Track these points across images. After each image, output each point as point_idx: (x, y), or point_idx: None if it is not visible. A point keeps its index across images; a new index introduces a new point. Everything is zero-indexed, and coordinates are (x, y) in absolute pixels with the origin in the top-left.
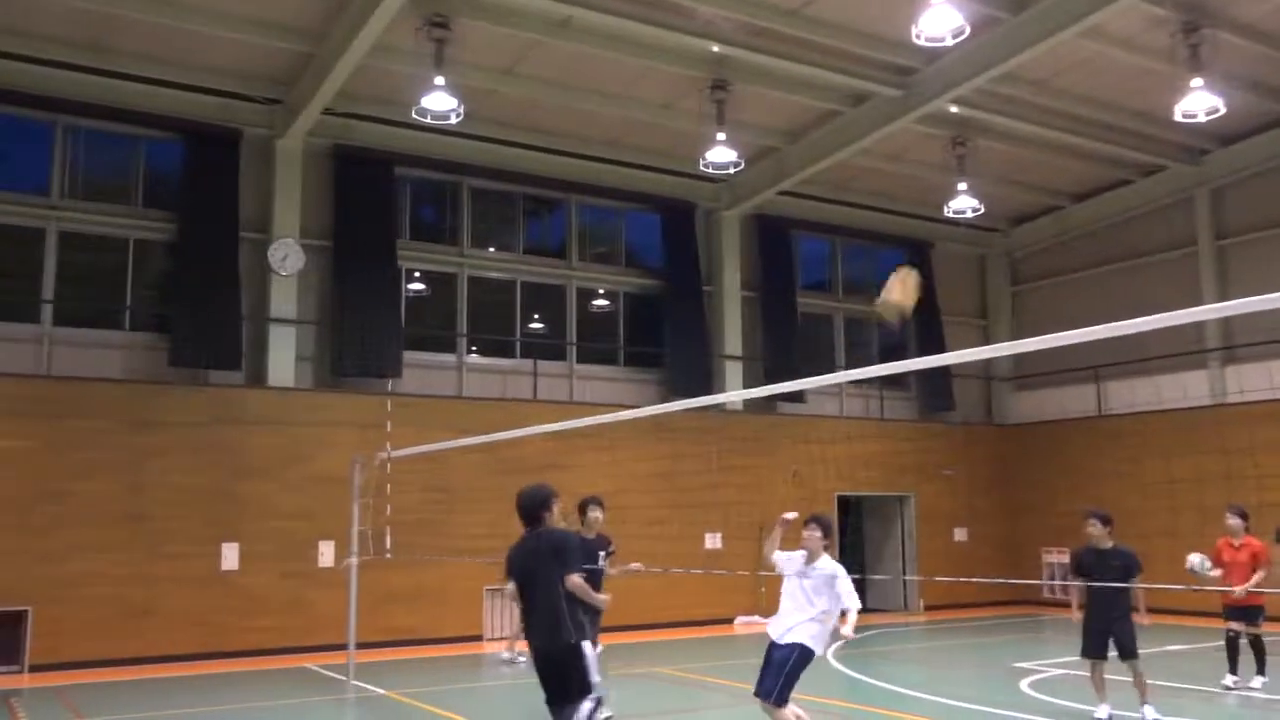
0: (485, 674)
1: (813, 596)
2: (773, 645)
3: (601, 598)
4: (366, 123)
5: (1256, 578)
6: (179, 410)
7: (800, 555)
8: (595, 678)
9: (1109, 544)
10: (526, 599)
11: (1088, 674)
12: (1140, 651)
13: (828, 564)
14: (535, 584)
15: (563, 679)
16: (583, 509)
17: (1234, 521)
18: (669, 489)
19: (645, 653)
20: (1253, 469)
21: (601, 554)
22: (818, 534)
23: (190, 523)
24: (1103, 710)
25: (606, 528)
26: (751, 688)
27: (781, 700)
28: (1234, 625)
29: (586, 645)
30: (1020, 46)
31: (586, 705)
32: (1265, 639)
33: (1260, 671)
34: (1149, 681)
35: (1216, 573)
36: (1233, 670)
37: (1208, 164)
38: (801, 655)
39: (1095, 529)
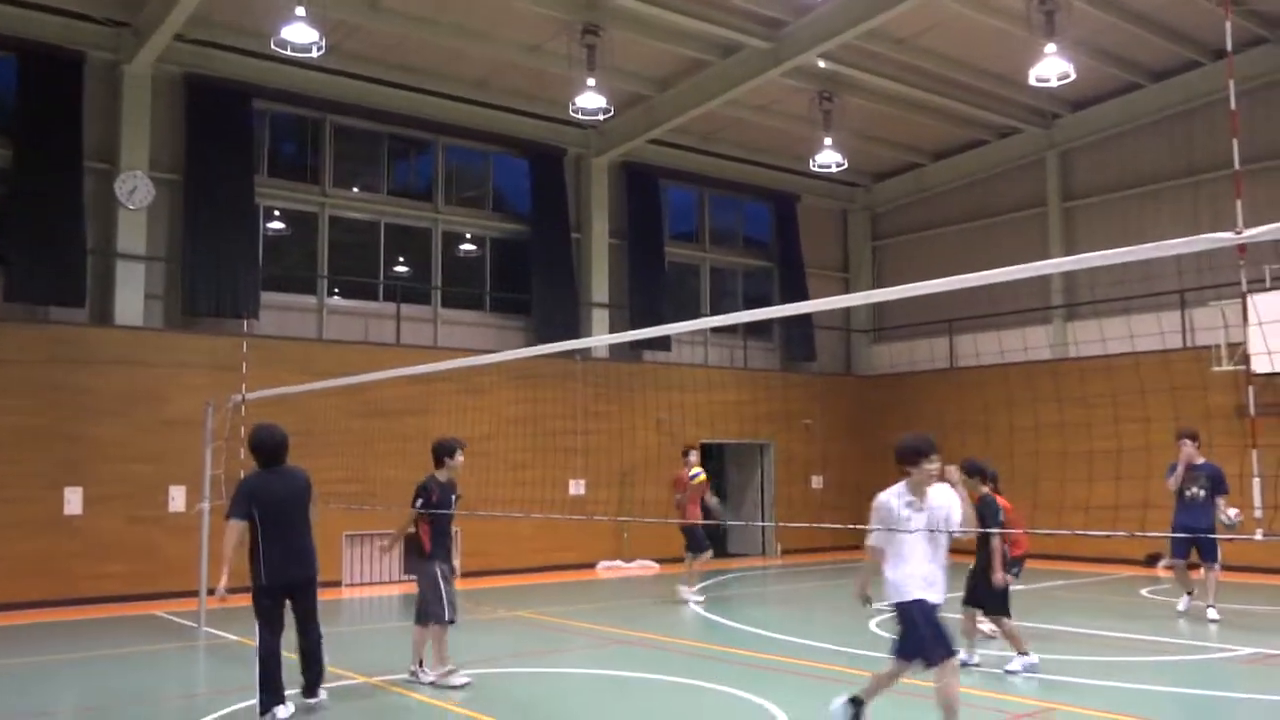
0: (344, 619)
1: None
2: (936, 606)
3: None
4: (223, 51)
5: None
6: (15, 348)
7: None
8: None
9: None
10: (273, 531)
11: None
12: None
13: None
14: (291, 519)
15: (311, 607)
16: (451, 453)
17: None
18: (533, 434)
19: (508, 596)
20: (1085, 418)
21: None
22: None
23: (29, 465)
24: (965, 654)
25: (468, 474)
26: (611, 629)
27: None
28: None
29: None
30: (887, 4)
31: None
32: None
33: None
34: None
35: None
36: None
37: (1058, 128)
38: None
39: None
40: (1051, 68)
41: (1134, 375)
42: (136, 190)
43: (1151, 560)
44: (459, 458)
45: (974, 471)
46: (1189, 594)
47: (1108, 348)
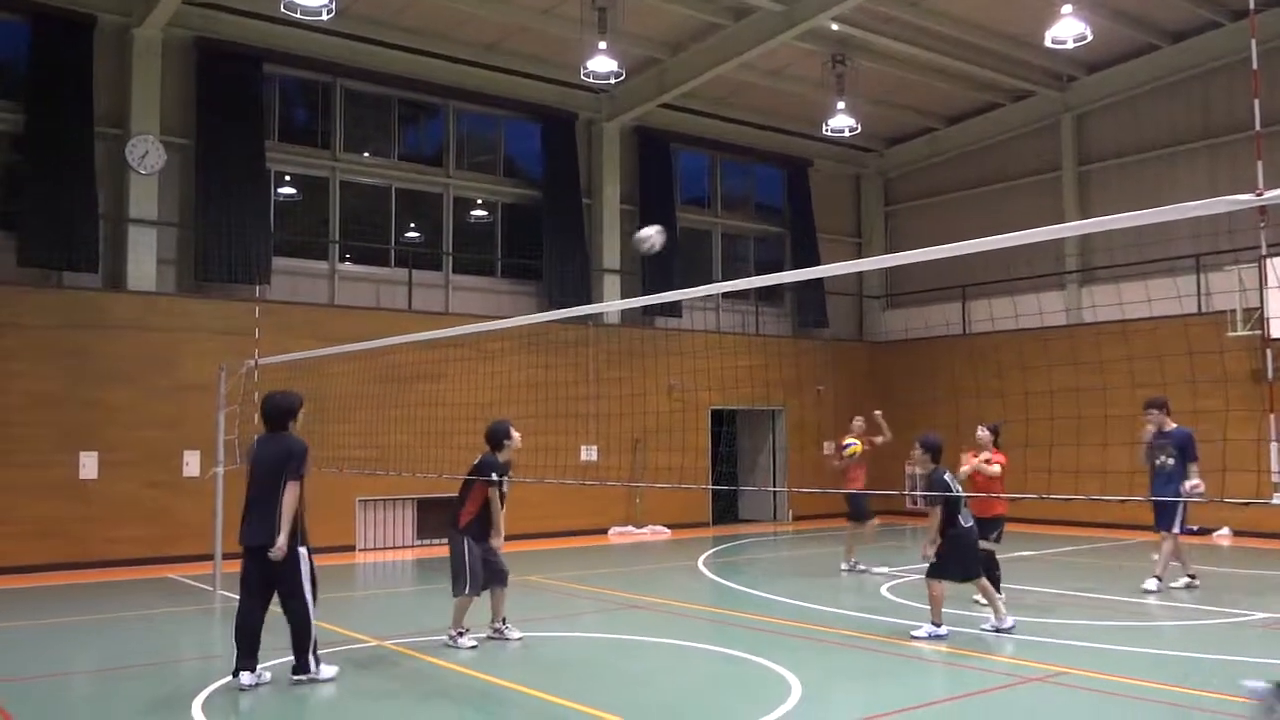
0: (357, 584)
1: None
2: None
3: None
4: (232, 15)
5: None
6: (30, 312)
7: None
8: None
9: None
10: (249, 493)
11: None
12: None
13: None
14: (261, 485)
15: (269, 576)
16: (509, 434)
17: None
18: (545, 400)
19: (519, 562)
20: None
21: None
22: None
23: (45, 430)
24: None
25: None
26: (622, 594)
27: None
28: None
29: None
30: None
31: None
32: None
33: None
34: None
35: None
36: None
37: (1073, 90)
38: None
39: (915, 453)
40: (1068, 29)
41: (1150, 340)
42: (148, 155)
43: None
44: (516, 437)
45: (927, 448)
46: (1190, 576)
47: (1124, 312)
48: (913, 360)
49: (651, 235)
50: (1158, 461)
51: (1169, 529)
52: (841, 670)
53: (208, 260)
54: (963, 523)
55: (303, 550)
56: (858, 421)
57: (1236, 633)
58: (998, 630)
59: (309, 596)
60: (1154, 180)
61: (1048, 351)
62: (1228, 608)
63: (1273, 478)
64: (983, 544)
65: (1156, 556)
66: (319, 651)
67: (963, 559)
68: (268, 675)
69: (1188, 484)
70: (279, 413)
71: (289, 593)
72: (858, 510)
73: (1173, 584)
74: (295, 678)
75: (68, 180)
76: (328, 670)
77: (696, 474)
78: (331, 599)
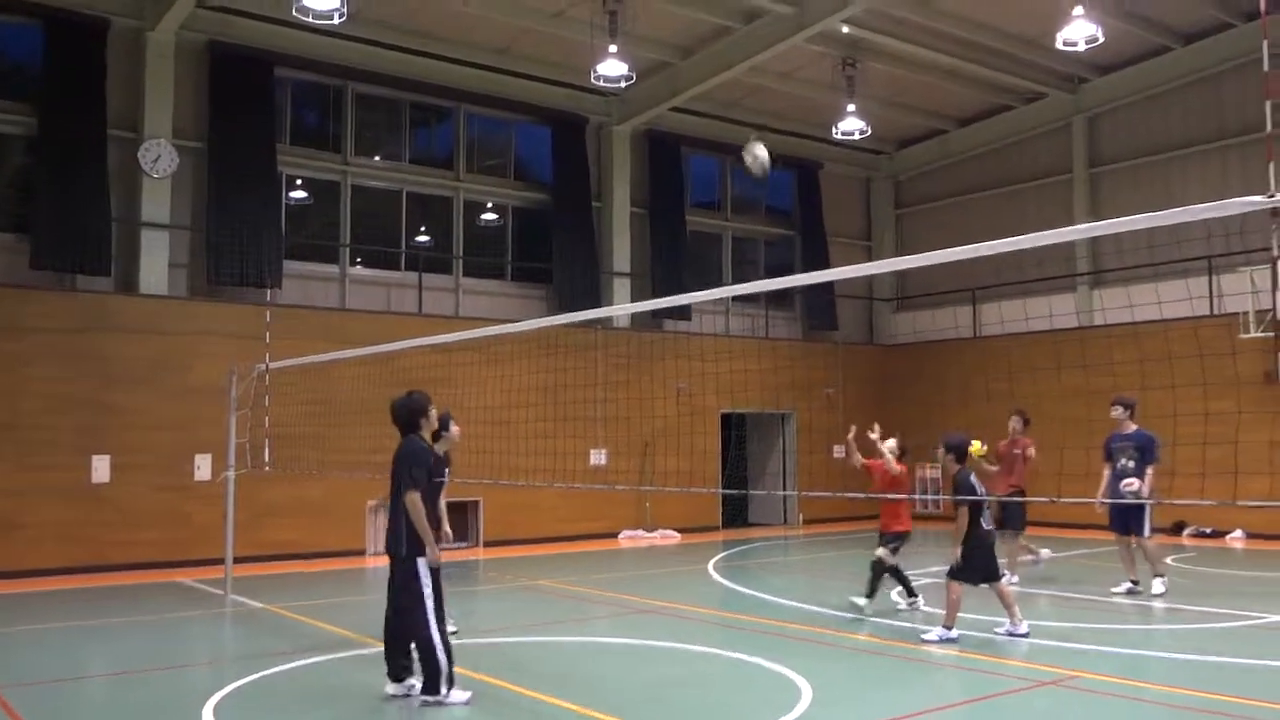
0: (367, 587)
1: None
2: None
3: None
4: (244, 19)
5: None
6: (43, 316)
7: None
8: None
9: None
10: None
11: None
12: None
13: None
14: (390, 491)
15: (393, 586)
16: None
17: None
18: (554, 404)
19: (528, 566)
20: (1111, 386)
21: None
22: None
23: (58, 433)
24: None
25: (490, 443)
26: (632, 598)
27: None
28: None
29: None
30: None
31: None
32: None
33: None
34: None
35: None
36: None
37: (1084, 92)
38: None
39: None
40: (1079, 31)
41: (1162, 342)
42: (160, 158)
43: (1178, 528)
44: (454, 429)
45: (950, 448)
46: (1133, 581)
47: (1135, 315)
48: (923, 363)
49: (758, 154)
50: (1119, 464)
51: (1140, 534)
52: (852, 674)
53: (219, 264)
54: (984, 525)
55: (421, 562)
56: (1013, 421)
57: (1251, 635)
58: (1011, 635)
59: (430, 614)
60: (1165, 182)
61: (1058, 354)
62: (1242, 610)
63: None
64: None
65: (1123, 565)
66: (453, 671)
67: (984, 562)
68: (417, 685)
69: (1123, 484)
70: (407, 414)
71: (406, 607)
72: (1009, 517)
73: (1114, 588)
74: (421, 698)
75: (81, 184)
76: (458, 695)
77: (706, 478)
78: (341, 602)
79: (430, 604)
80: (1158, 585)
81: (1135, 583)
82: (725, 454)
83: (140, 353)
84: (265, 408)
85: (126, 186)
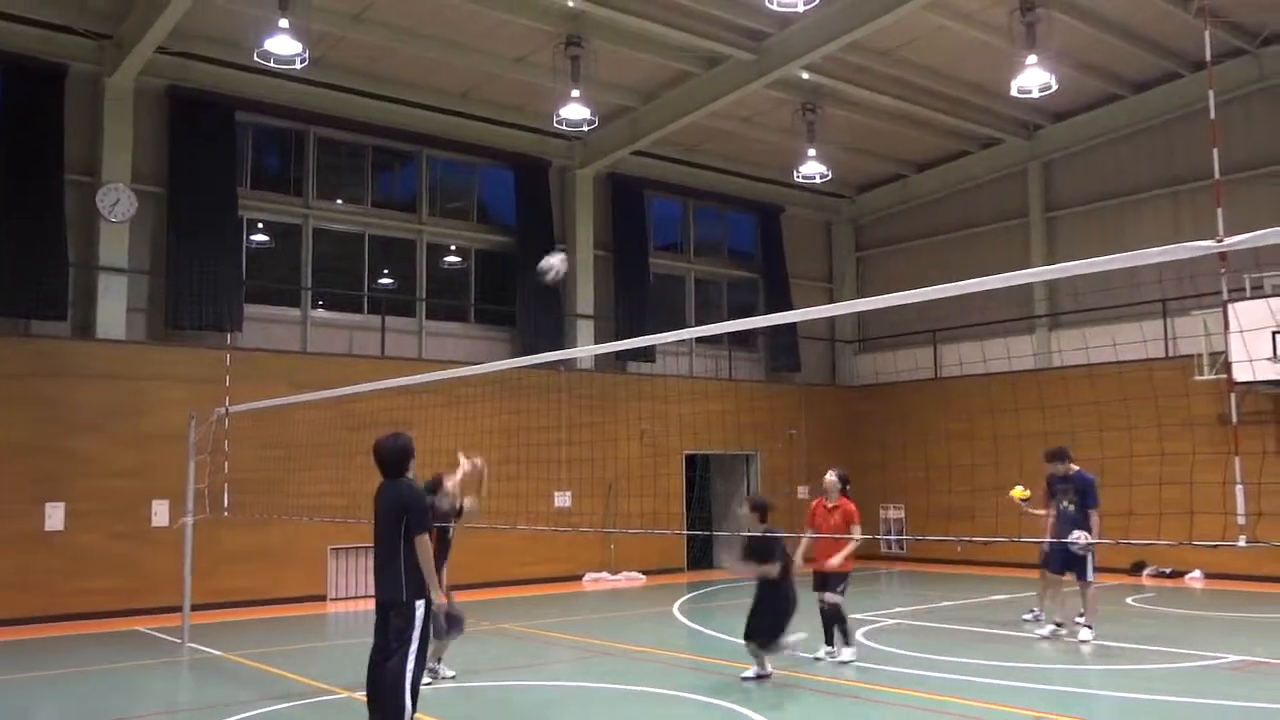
0: (328, 634)
1: None
2: None
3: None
4: (205, 64)
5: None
6: None
7: None
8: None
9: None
10: (375, 545)
11: (918, 623)
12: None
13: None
14: (379, 536)
15: (386, 631)
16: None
17: (830, 479)
18: (518, 446)
19: (493, 609)
20: (1069, 428)
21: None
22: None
23: (10, 480)
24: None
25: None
26: (595, 641)
27: None
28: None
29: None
30: (869, 16)
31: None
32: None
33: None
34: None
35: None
36: (828, 640)
37: (1040, 138)
38: None
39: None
40: (1033, 79)
41: (1117, 384)
42: (119, 203)
43: (1138, 568)
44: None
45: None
46: (1035, 609)
47: (1090, 356)
48: (884, 404)
49: (555, 264)
50: (1061, 506)
51: (1084, 578)
52: (816, 717)
53: (179, 308)
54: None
55: (419, 605)
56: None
57: (1205, 675)
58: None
59: (411, 657)
60: (1119, 226)
61: (1017, 395)
62: (1198, 649)
63: (1239, 520)
64: (828, 596)
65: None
66: (415, 717)
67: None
68: None
69: (1074, 534)
70: (396, 457)
71: (396, 651)
72: (1045, 559)
73: (1039, 629)
74: None
75: (37, 227)
76: None
77: (670, 519)
78: (302, 649)
79: (415, 646)
80: (1085, 634)
81: (1059, 624)
82: (690, 495)
83: (96, 398)
84: (225, 452)
85: (84, 231)
